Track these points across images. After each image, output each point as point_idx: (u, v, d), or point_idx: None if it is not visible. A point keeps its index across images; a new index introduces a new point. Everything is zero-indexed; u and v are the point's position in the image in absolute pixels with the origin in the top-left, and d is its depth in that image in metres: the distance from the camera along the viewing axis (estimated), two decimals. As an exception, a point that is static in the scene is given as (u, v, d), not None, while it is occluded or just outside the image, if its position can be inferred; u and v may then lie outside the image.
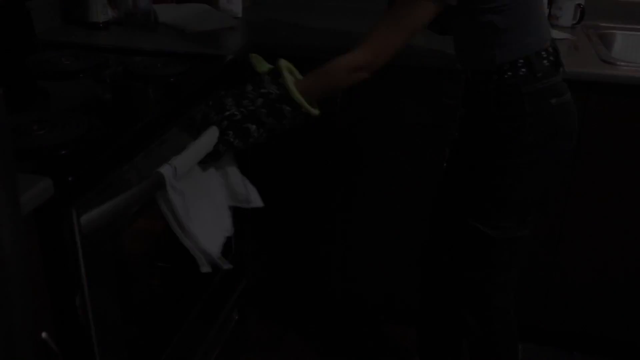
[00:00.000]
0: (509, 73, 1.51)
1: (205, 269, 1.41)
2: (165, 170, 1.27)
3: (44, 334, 1.16)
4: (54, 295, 1.21)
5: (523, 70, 1.51)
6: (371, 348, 2.36)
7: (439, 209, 1.85)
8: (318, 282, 2.43)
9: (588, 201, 2.05)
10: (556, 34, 2.20)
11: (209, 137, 1.43)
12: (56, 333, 1.22)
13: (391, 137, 2.13)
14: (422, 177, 2.10)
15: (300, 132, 1.64)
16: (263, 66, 1.52)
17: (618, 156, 1.98)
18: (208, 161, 1.47)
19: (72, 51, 1.86)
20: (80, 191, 1.18)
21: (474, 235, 1.64)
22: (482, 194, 1.62)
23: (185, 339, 1.71)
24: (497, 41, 1.50)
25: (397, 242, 2.24)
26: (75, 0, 2.19)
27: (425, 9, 1.43)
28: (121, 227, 1.38)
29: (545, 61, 1.53)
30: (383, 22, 1.46)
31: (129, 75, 1.74)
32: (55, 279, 1.20)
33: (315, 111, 1.48)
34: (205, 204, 1.48)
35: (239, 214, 1.65)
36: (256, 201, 1.64)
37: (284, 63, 1.48)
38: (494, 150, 1.57)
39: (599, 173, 2.01)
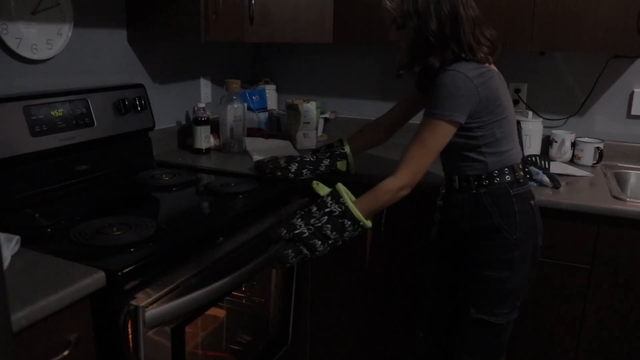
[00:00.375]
0: (498, 179, 1.51)
1: None
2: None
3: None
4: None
5: (508, 176, 1.51)
6: None
7: (435, 297, 1.79)
8: None
9: (601, 319, 1.85)
10: (578, 171, 2.11)
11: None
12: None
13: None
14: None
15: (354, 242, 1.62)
16: (324, 190, 1.54)
17: (626, 280, 1.79)
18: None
19: (174, 170, 1.96)
20: (134, 285, 1.20)
21: (474, 322, 1.56)
22: (482, 286, 1.56)
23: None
24: (490, 151, 1.50)
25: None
26: (187, 131, 2.34)
27: (445, 131, 1.44)
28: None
29: (521, 171, 1.54)
30: (413, 146, 1.47)
31: (208, 191, 1.79)
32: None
33: (368, 224, 1.49)
34: None
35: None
36: None
37: (341, 187, 1.51)
38: (491, 247, 1.53)
39: (610, 293, 1.82)
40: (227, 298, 1.95)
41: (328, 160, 1.89)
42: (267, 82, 2.75)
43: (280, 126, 2.60)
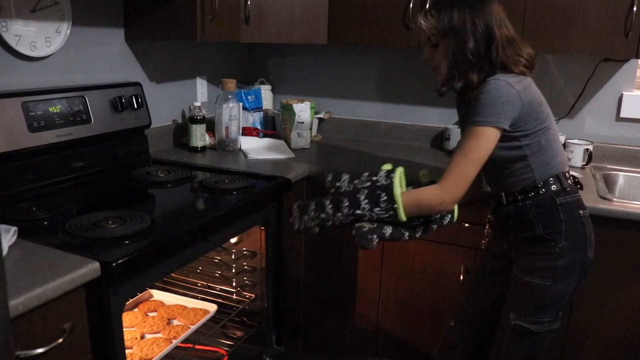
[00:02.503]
0: (543, 190, 1.49)
1: None
2: None
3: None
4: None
5: (554, 186, 1.49)
6: None
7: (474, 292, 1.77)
8: None
9: (587, 316, 1.90)
10: None
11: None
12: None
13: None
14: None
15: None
16: (386, 167, 1.53)
17: (612, 278, 1.84)
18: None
19: (170, 167, 2.00)
20: (125, 275, 1.23)
21: (513, 329, 1.55)
22: (523, 292, 1.54)
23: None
24: (537, 161, 1.48)
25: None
26: (183, 129, 2.37)
27: (489, 138, 1.41)
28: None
29: (569, 180, 1.52)
30: (456, 157, 1.43)
31: (202, 188, 1.82)
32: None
33: (403, 215, 1.44)
34: None
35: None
36: None
37: (400, 170, 1.49)
38: (535, 254, 1.51)
39: (596, 291, 1.87)
40: (216, 292, 2.00)
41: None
42: (262, 83, 2.79)
43: (275, 126, 2.64)
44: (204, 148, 2.32)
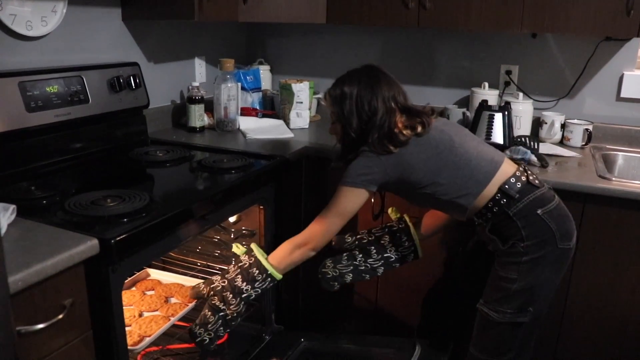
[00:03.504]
0: (496, 208, 1.53)
1: None
2: None
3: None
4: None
5: (504, 200, 1.52)
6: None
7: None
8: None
9: (585, 291, 1.91)
10: (566, 152, 2.15)
11: None
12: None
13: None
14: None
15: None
16: (241, 250, 1.67)
17: (610, 256, 1.85)
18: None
19: (168, 147, 2.00)
20: (124, 252, 1.24)
21: (479, 313, 1.61)
22: (492, 280, 1.60)
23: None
24: (462, 193, 1.54)
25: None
26: (181, 109, 2.37)
27: (357, 197, 1.54)
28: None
29: (518, 183, 1.53)
30: (323, 211, 1.57)
31: (201, 167, 1.83)
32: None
33: (278, 275, 1.60)
34: None
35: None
36: None
37: (255, 245, 1.64)
38: (502, 251, 1.56)
39: (594, 267, 1.88)
40: (215, 271, 2.01)
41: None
42: (261, 63, 2.78)
43: (274, 106, 2.64)
44: (202, 128, 2.32)
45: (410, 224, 1.77)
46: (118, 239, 1.22)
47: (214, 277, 1.62)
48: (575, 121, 2.27)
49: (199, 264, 2.05)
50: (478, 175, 1.54)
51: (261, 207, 1.87)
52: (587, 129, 2.23)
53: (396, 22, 2.22)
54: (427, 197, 1.57)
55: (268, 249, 1.90)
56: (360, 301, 2.26)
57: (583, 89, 2.36)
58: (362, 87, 1.55)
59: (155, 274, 1.91)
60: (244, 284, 1.56)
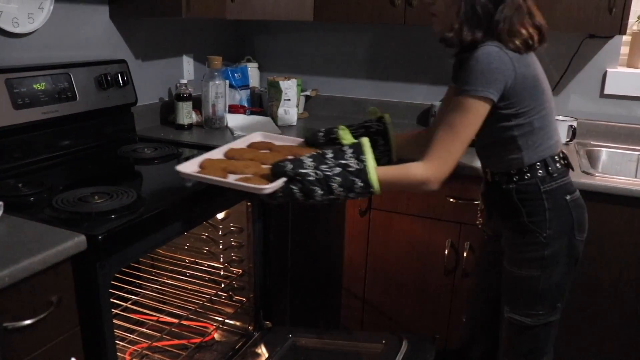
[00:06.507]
0: (529, 174, 1.42)
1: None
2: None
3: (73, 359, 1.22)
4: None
5: (540, 171, 1.42)
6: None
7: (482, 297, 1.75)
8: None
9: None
10: None
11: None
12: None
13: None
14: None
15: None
16: (348, 139, 1.41)
17: (594, 251, 1.87)
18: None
19: (156, 144, 2.00)
20: (112, 249, 1.25)
21: (508, 322, 1.52)
22: (514, 285, 1.50)
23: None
24: (527, 143, 1.40)
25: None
26: (169, 107, 2.38)
27: (477, 110, 1.30)
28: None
29: (558, 164, 1.45)
30: (440, 131, 1.32)
31: (189, 164, 1.83)
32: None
33: (379, 190, 1.33)
34: None
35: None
36: None
37: (367, 142, 1.34)
38: (520, 245, 1.47)
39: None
40: (204, 268, 2.02)
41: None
42: (249, 60, 2.79)
43: (262, 103, 2.65)
44: (190, 125, 2.33)
45: (389, 125, 1.56)
46: (105, 235, 1.22)
47: (305, 160, 1.33)
48: (560, 117, 2.30)
49: (187, 261, 2.05)
50: (555, 136, 1.44)
51: (249, 203, 1.88)
52: (571, 126, 2.25)
53: (383, 19, 2.24)
54: (500, 134, 1.39)
55: (257, 246, 1.93)
56: (348, 297, 2.28)
57: (567, 86, 2.40)
58: None
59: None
60: (340, 189, 1.29)
